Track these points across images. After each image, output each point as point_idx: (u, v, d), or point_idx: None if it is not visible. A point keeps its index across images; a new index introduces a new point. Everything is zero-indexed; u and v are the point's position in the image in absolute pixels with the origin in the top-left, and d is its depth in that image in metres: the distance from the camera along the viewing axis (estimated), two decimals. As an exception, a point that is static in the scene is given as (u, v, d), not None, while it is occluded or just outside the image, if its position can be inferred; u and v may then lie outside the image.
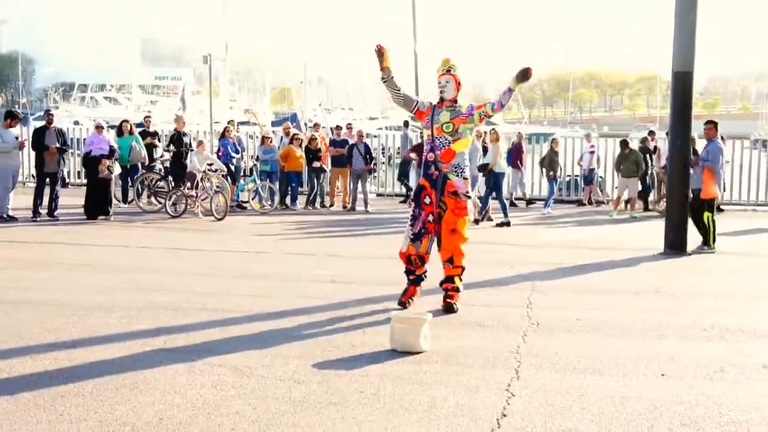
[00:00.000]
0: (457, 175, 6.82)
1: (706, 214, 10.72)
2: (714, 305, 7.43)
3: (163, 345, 5.70)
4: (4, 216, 12.88)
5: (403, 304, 6.97)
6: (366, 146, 16.36)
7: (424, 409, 4.47)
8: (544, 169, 17.78)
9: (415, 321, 5.65)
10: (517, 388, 4.86)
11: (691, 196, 10.81)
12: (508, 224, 13.66)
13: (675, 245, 10.56)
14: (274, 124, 32.13)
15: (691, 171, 10.80)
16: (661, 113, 75.43)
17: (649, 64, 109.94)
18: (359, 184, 16.22)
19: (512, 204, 17.45)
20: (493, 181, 14.03)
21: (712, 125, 11.02)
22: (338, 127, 17.88)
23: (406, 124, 19.37)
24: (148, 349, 5.57)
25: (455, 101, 6.92)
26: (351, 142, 16.63)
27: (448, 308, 6.88)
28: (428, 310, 6.16)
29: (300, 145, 16.35)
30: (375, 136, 20.46)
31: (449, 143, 6.81)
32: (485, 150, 15.54)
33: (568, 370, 5.26)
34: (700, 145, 13.73)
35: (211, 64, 19.93)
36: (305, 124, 26.36)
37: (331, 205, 16.59)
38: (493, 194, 14.19)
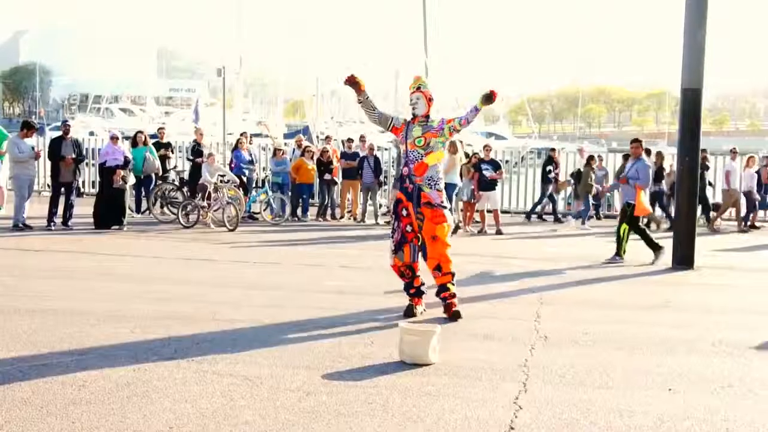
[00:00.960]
0: (431, 188, 7.02)
1: (624, 226, 10.93)
2: (722, 320, 7.43)
3: (174, 354, 5.75)
4: (20, 225, 13.02)
5: (410, 312, 7.10)
6: (376, 159, 16.46)
7: (432, 421, 4.50)
8: (575, 184, 17.50)
9: (424, 333, 5.69)
10: (525, 401, 4.89)
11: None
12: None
13: (683, 260, 10.56)
14: (286, 136, 32.27)
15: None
16: (669, 129, 75.25)
17: (658, 80, 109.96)
18: (369, 197, 16.31)
19: (541, 217, 17.43)
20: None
21: (638, 144, 11.32)
22: (350, 140, 17.97)
23: (361, 138, 19.01)
24: (159, 358, 5.63)
25: (427, 116, 7.14)
26: (362, 154, 16.73)
27: (454, 315, 7.00)
28: (437, 323, 6.19)
29: (312, 158, 16.46)
30: (386, 149, 20.47)
31: (422, 157, 7.00)
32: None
33: (576, 383, 5.28)
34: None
35: (224, 76, 20.10)
36: (317, 137, 26.48)
37: (342, 217, 16.67)
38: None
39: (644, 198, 10.92)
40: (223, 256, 10.83)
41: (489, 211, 15.06)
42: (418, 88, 7.15)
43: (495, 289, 8.75)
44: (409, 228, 7.05)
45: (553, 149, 19.18)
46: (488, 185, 14.94)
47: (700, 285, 9.56)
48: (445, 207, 7.11)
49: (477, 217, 15.08)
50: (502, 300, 8.20)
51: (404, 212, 7.07)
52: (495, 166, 15.41)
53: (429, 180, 7.02)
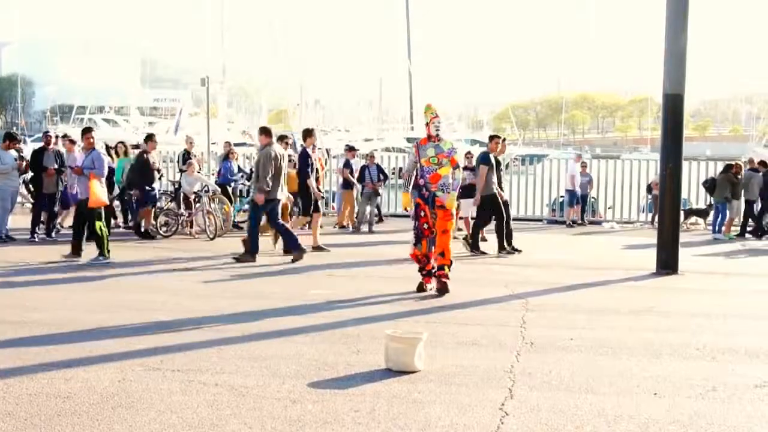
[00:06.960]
0: (443, 192, 8.71)
1: (98, 224, 10.89)
2: (706, 325, 7.49)
3: (160, 364, 5.73)
4: (3, 237, 12.91)
5: (421, 288, 8.79)
6: (378, 167, 16.56)
7: (419, 428, 4.51)
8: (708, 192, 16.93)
9: (410, 340, 5.70)
10: (511, 407, 4.90)
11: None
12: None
13: (667, 265, 10.63)
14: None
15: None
16: (652, 135, 75.90)
17: (641, 86, 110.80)
18: (368, 206, 16.25)
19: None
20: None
21: (89, 134, 11.39)
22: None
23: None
24: (144, 369, 5.60)
25: (440, 138, 8.85)
26: (350, 161, 16.77)
27: (443, 287, 8.67)
28: (423, 330, 6.20)
29: (294, 166, 16.38)
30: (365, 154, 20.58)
31: (435, 170, 8.76)
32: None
33: (562, 389, 5.30)
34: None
35: (208, 86, 20.01)
36: (301, 146, 26.44)
37: (342, 226, 16.62)
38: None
39: (99, 188, 10.89)
40: (206, 266, 10.79)
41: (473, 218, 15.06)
42: (436, 116, 8.84)
43: (481, 295, 8.78)
44: (426, 225, 8.77)
45: (189, 139, 18.04)
46: (469, 192, 14.93)
47: (685, 290, 9.62)
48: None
49: (461, 224, 15.08)
50: (488, 306, 8.23)
51: (422, 213, 8.78)
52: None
53: (442, 186, 8.72)
